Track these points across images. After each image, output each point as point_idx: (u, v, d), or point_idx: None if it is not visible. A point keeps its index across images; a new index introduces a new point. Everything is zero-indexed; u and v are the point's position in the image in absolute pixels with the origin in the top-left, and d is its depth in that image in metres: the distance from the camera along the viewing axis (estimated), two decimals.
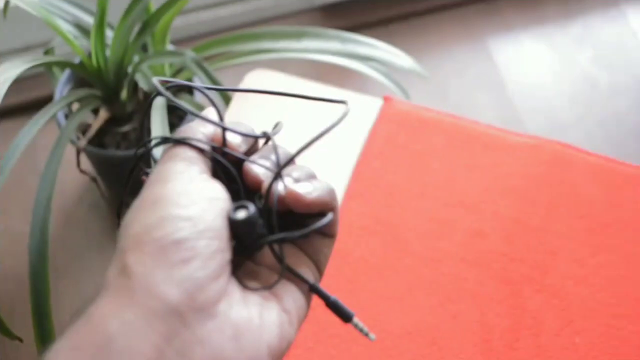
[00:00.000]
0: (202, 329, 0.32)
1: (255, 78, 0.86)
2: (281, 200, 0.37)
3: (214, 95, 0.80)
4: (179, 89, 0.91)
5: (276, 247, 0.37)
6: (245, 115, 0.80)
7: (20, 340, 0.73)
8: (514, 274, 0.71)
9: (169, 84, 0.39)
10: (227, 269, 0.34)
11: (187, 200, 0.34)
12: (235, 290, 0.34)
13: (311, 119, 0.80)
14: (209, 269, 0.33)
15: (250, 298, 0.35)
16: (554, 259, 0.73)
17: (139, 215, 0.34)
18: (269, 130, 0.40)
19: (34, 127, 0.75)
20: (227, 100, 0.82)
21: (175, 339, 0.31)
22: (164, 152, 0.37)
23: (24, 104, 1.05)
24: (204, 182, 0.35)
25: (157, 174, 0.35)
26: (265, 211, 0.36)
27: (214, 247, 0.33)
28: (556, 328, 0.69)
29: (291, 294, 0.37)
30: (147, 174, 0.37)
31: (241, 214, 0.35)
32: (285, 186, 0.37)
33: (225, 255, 0.34)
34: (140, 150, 0.38)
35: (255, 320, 0.34)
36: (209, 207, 0.34)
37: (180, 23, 1.14)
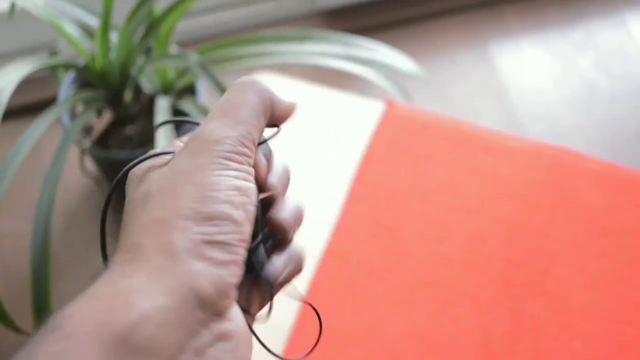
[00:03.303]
0: (215, 332, 0.32)
1: None
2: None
3: (218, 97, 0.81)
4: (182, 90, 0.91)
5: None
6: None
7: (28, 334, 0.74)
8: (514, 278, 0.72)
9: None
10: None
11: (239, 201, 0.33)
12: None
13: (313, 124, 0.80)
14: (237, 276, 0.33)
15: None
16: (554, 263, 0.73)
17: (190, 193, 0.33)
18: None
19: (38, 128, 0.75)
20: None
21: (198, 339, 0.31)
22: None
23: (28, 105, 1.06)
24: (249, 184, 0.35)
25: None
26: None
27: (244, 256, 0.33)
28: (556, 332, 0.69)
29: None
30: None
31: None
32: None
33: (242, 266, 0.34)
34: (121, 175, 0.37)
35: (247, 332, 0.34)
36: (251, 216, 0.34)
37: (184, 26, 1.14)
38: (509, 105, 1.10)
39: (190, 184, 0.33)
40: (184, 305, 0.30)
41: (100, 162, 0.93)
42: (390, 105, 0.83)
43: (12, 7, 0.76)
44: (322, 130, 0.82)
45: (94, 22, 0.84)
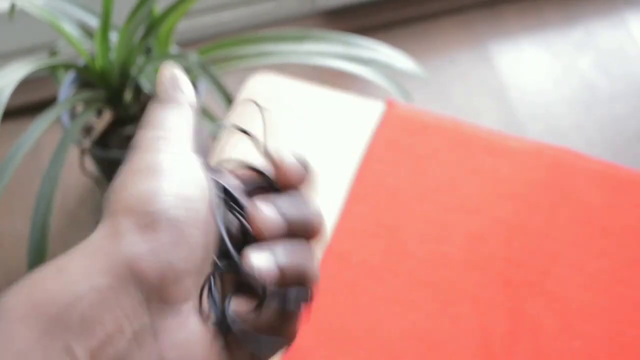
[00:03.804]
0: (160, 322, 0.30)
1: (258, 82, 0.86)
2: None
3: (217, 97, 0.81)
4: None
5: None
6: (248, 120, 0.81)
7: None
8: (514, 278, 0.72)
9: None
10: (203, 273, 0.32)
11: (188, 177, 0.32)
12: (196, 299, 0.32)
13: (314, 123, 0.80)
14: (190, 263, 0.31)
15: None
16: (554, 263, 0.73)
17: (132, 180, 0.32)
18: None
19: (38, 128, 0.76)
20: (229, 102, 0.82)
21: (136, 321, 0.29)
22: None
23: (28, 105, 1.06)
24: (201, 170, 0.33)
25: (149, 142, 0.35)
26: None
27: (202, 241, 0.31)
28: (556, 332, 0.69)
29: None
30: None
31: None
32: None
33: (208, 259, 0.32)
34: None
35: (207, 340, 0.32)
36: (207, 196, 0.32)
37: (184, 26, 1.14)
38: (509, 105, 1.10)
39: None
40: (120, 285, 0.29)
41: (100, 162, 0.93)
42: (390, 105, 0.83)
43: (12, 7, 0.76)
44: (322, 130, 0.82)
45: (94, 22, 0.84)
